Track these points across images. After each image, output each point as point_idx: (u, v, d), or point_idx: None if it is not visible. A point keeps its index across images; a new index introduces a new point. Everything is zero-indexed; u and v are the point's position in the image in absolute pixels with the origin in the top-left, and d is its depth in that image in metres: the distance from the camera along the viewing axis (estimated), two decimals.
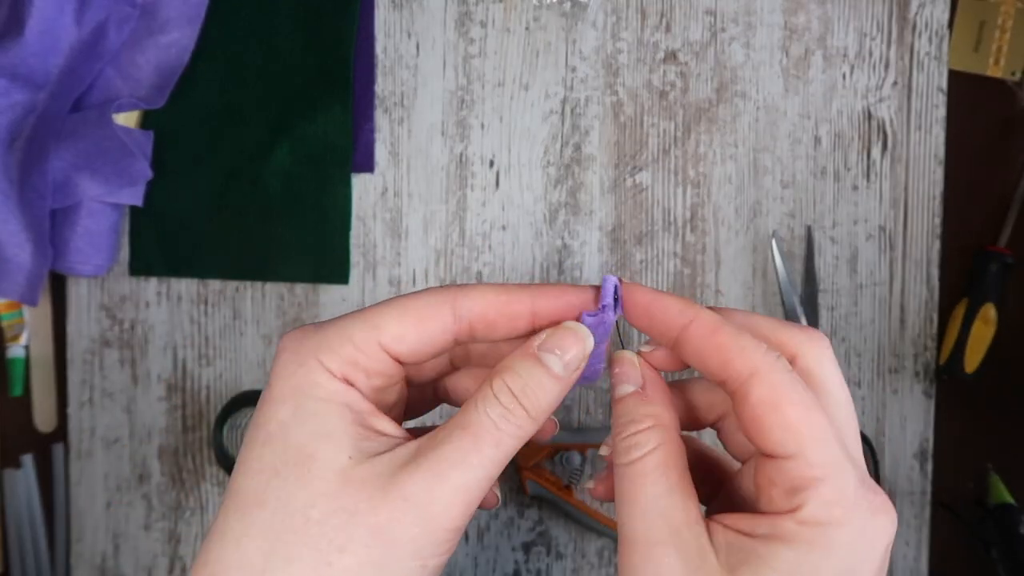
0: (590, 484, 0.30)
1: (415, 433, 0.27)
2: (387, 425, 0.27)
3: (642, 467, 0.26)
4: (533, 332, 0.28)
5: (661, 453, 0.26)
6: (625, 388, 0.28)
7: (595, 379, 0.29)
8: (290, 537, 0.24)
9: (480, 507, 0.27)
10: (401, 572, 0.25)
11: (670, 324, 0.27)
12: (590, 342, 0.27)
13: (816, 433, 0.25)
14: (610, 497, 0.28)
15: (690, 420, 0.30)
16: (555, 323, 0.28)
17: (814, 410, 0.25)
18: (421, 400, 0.32)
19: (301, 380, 0.26)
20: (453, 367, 0.31)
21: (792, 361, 0.27)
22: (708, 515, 0.26)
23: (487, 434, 0.25)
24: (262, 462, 0.25)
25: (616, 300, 0.28)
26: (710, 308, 0.28)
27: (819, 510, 0.24)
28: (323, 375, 0.26)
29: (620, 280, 0.28)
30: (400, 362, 0.27)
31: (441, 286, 0.29)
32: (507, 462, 0.26)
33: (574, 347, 0.27)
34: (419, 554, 0.25)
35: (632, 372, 0.28)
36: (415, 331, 0.27)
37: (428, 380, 0.31)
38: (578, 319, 0.28)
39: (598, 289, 0.28)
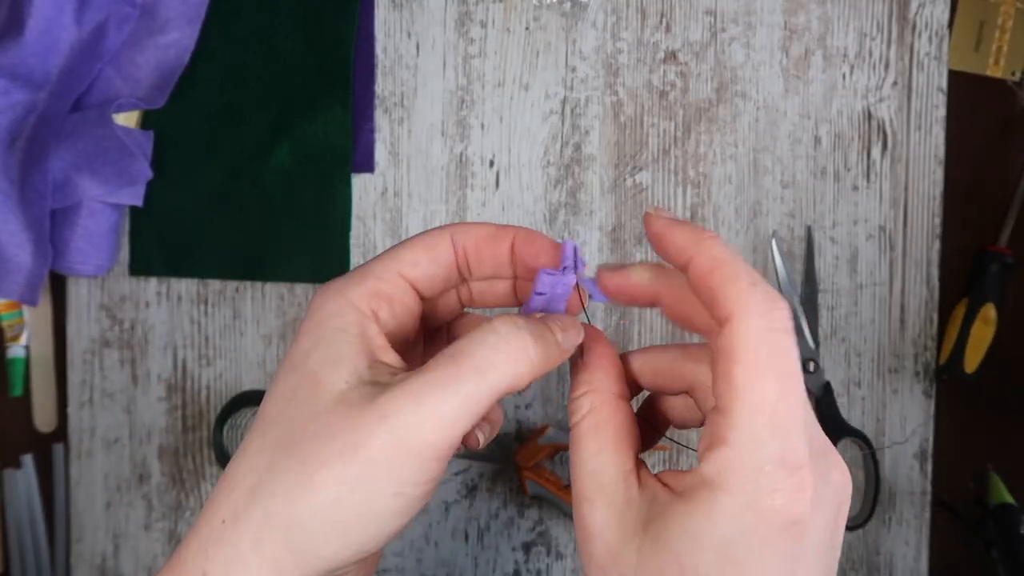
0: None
1: None
2: (393, 358, 0.28)
3: (577, 431, 0.28)
4: (513, 270, 0.31)
5: (592, 417, 0.28)
6: (574, 357, 0.30)
7: None
8: (290, 451, 0.26)
9: (464, 444, 0.29)
10: (377, 496, 0.25)
11: (680, 261, 0.28)
12: (581, 334, 0.30)
13: (751, 399, 0.24)
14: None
15: (665, 384, 0.31)
16: (529, 263, 0.30)
17: (766, 379, 0.24)
18: (437, 351, 0.33)
19: (325, 313, 0.28)
20: (462, 306, 0.33)
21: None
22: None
23: (471, 361, 0.26)
24: (283, 387, 0.28)
25: (575, 264, 0.30)
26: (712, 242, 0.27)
27: (713, 469, 0.25)
28: (346, 306, 0.28)
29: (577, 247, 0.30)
30: (416, 290, 0.30)
31: (440, 226, 0.31)
32: (490, 399, 0.26)
33: (573, 331, 0.29)
34: (395, 478, 0.25)
35: (573, 341, 0.29)
36: (425, 256, 0.30)
37: (442, 322, 0.33)
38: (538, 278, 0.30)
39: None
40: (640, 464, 0.28)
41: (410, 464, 0.26)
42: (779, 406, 0.24)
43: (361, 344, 0.28)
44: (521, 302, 0.33)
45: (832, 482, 0.26)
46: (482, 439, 0.30)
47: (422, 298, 0.31)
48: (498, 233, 0.31)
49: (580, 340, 0.29)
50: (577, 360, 0.30)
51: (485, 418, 0.30)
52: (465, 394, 0.26)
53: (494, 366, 0.26)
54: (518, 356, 0.27)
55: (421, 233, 0.31)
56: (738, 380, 0.25)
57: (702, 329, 0.28)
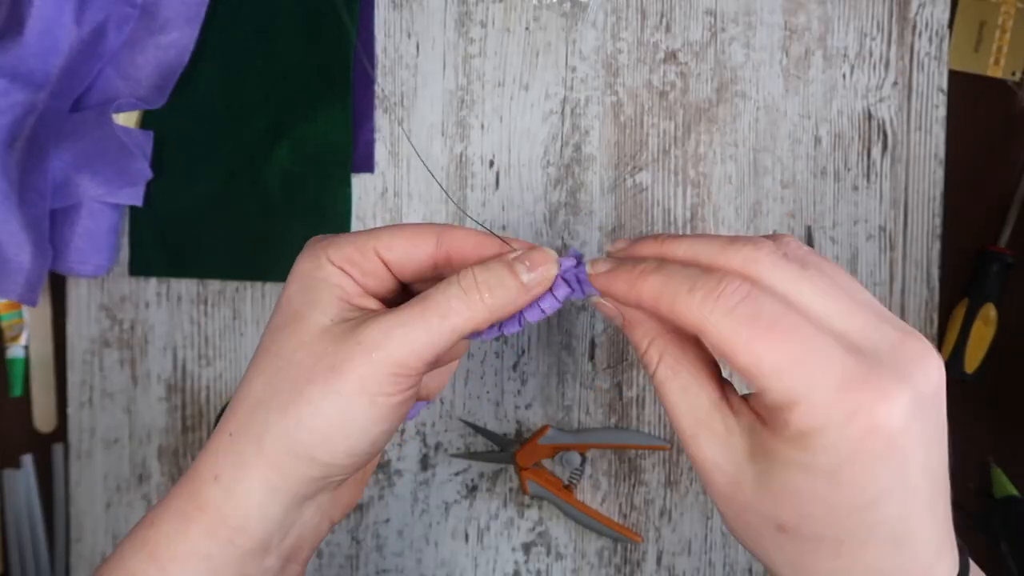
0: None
1: None
2: (372, 303, 0.34)
3: (657, 379, 0.31)
4: None
5: (666, 361, 0.31)
6: (616, 321, 0.33)
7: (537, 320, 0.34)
8: (280, 374, 0.32)
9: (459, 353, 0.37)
10: (354, 404, 0.31)
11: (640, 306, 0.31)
12: (555, 267, 0.33)
13: (771, 365, 0.26)
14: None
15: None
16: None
17: (764, 341, 0.27)
18: None
19: (308, 266, 0.33)
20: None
21: None
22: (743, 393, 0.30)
23: (436, 306, 0.31)
24: (273, 323, 0.33)
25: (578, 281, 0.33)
26: (653, 252, 0.32)
27: (798, 423, 0.26)
28: (325, 262, 0.33)
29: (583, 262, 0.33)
30: (389, 269, 0.34)
31: (434, 222, 0.35)
32: (453, 336, 0.32)
33: (542, 265, 0.33)
34: (367, 389, 0.31)
35: (609, 311, 0.33)
36: (403, 244, 0.34)
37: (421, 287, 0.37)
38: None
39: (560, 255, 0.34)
40: (728, 389, 0.31)
41: (380, 379, 0.31)
42: (791, 353, 0.26)
43: (339, 291, 0.33)
44: None
45: (913, 378, 0.27)
46: (467, 345, 0.37)
47: (398, 277, 0.35)
48: (487, 242, 0.34)
49: (550, 273, 0.33)
50: (623, 319, 0.33)
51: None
52: (427, 330, 0.31)
53: (454, 311, 0.31)
54: (474, 305, 0.32)
55: (412, 225, 0.34)
56: (747, 366, 0.27)
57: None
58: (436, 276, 0.35)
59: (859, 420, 0.26)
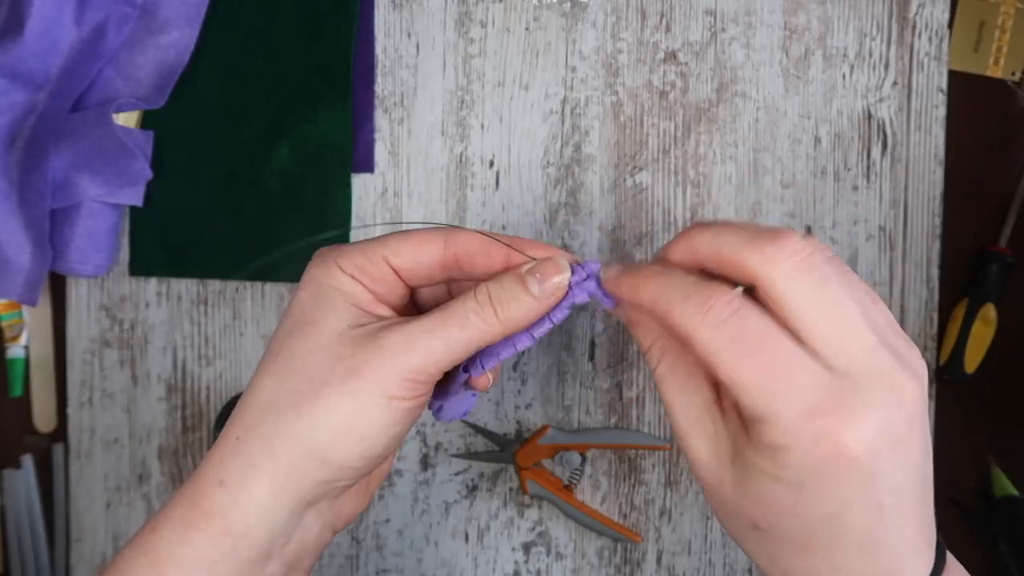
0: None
1: None
2: (385, 311, 0.34)
3: (657, 376, 0.32)
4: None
5: (666, 360, 0.32)
6: (622, 318, 0.34)
7: (559, 323, 0.34)
8: (293, 376, 0.32)
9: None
10: (369, 402, 0.32)
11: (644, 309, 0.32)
12: (567, 276, 0.33)
13: (749, 383, 0.28)
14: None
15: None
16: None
17: (745, 359, 0.28)
18: None
19: (319, 273, 0.34)
20: (451, 296, 0.37)
21: (753, 289, 0.29)
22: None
23: (455, 317, 0.32)
24: (284, 329, 0.34)
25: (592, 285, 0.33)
26: (674, 243, 0.32)
27: (767, 438, 0.28)
28: (336, 270, 0.34)
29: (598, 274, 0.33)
30: (399, 275, 0.34)
31: (442, 225, 0.35)
32: (469, 347, 0.33)
33: (554, 276, 0.33)
34: (385, 392, 0.31)
35: (616, 310, 0.34)
36: (411, 249, 0.34)
37: (432, 305, 0.37)
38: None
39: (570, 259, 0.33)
40: (722, 392, 0.31)
41: (397, 382, 0.31)
42: (767, 374, 0.28)
43: (351, 298, 0.33)
44: None
45: (887, 405, 0.28)
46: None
47: (407, 283, 0.35)
48: (494, 243, 0.34)
49: (562, 284, 0.33)
50: (627, 318, 0.33)
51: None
52: (446, 340, 0.32)
53: (472, 324, 0.32)
54: (489, 320, 0.32)
55: (420, 230, 0.35)
56: (728, 378, 0.28)
57: None
58: (445, 279, 0.36)
59: (823, 444, 0.27)
